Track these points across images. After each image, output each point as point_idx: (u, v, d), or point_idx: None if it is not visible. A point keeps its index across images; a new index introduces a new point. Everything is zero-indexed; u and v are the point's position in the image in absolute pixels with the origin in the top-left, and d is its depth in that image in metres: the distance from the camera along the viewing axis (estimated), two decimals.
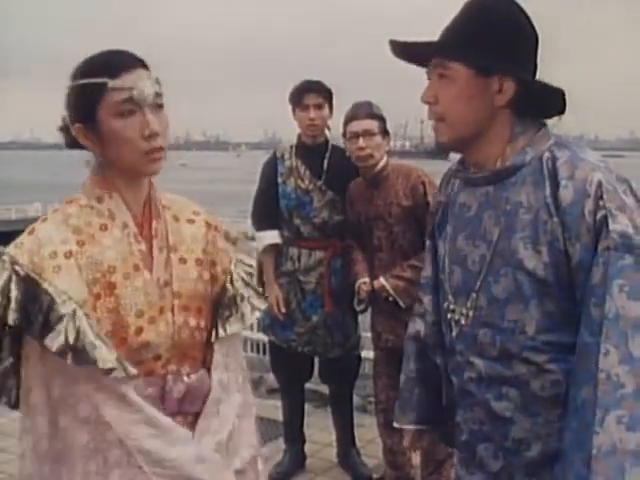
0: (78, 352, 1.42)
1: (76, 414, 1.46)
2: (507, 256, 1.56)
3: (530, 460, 1.61)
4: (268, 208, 3.76)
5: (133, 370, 1.47)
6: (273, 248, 3.75)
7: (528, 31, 1.61)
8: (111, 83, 1.48)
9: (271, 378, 4.75)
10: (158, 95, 1.53)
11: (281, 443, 4.05)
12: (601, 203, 1.46)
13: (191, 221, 1.69)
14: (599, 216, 1.46)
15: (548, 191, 1.52)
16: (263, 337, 4.60)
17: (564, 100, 1.62)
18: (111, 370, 1.44)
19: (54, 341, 1.41)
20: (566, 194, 1.49)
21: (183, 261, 1.63)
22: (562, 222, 1.49)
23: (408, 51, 1.67)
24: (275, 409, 4.22)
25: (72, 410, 1.46)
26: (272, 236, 3.74)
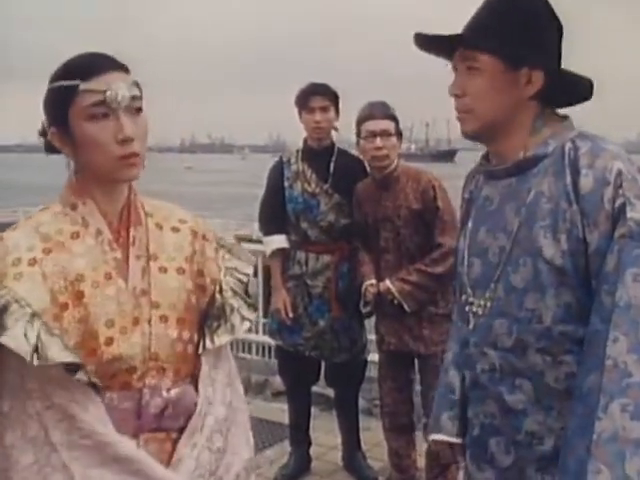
0: (38, 351, 1.34)
1: (25, 432, 1.39)
2: (527, 246, 1.57)
3: (543, 454, 1.60)
4: (275, 212, 3.76)
5: (95, 379, 1.41)
6: (281, 252, 3.75)
7: (552, 20, 1.62)
8: (82, 85, 1.43)
9: (277, 381, 4.75)
10: (135, 99, 1.47)
11: (286, 446, 4.05)
12: (620, 191, 1.47)
13: (176, 229, 1.62)
14: (617, 204, 1.47)
15: (568, 179, 1.53)
16: (268, 340, 4.60)
17: (591, 88, 1.63)
18: (75, 371, 1.37)
19: (13, 339, 1.34)
20: (586, 182, 1.50)
21: (163, 270, 1.55)
22: (581, 210, 1.49)
23: (434, 44, 1.68)
24: (280, 412, 4.22)
25: (21, 427, 1.39)
26: (280, 240, 3.74)
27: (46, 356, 1.35)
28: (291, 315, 3.66)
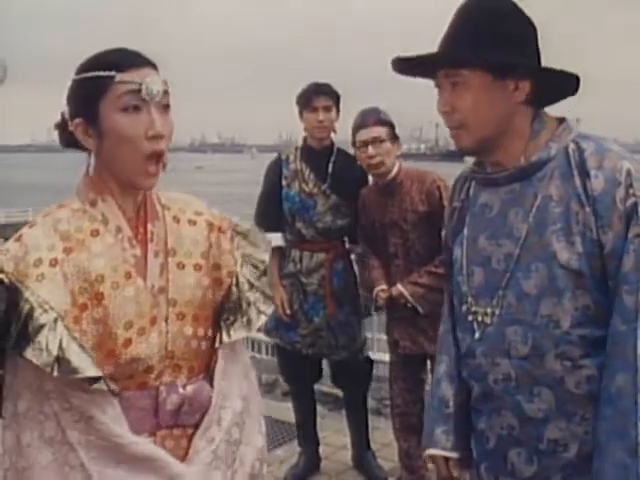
0: (60, 362, 1.34)
1: (42, 432, 1.39)
2: (538, 251, 1.55)
3: (568, 461, 1.57)
4: (272, 210, 3.75)
5: (114, 386, 1.41)
6: (277, 250, 3.76)
7: (526, 21, 1.61)
8: (119, 76, 1.43)
9: None
10: (166, 94, 1.47)
11: (296, 445, 4.04)
12: (631, 191, 1.48)
13: (192, 222, 1.60)
14: (629, 203, 1.47)
15: (578, 182, 1.52)
16: None
17: (578, 81, 1.62)
18: (94, 380, 1.37)
19: (36, 352, 1.34)
20: (597, 183, 1.50)
21: (181, 266, 1.54)
22: (594, 211, 1.49)
23: (414, 66, 1.65)
24: (290, 411, 4.22)
25: (39, 428, 1.39)
26: (276, 238, 3.75)
27: (67, 366, 1.35)
28: (288, 312, 3.67)
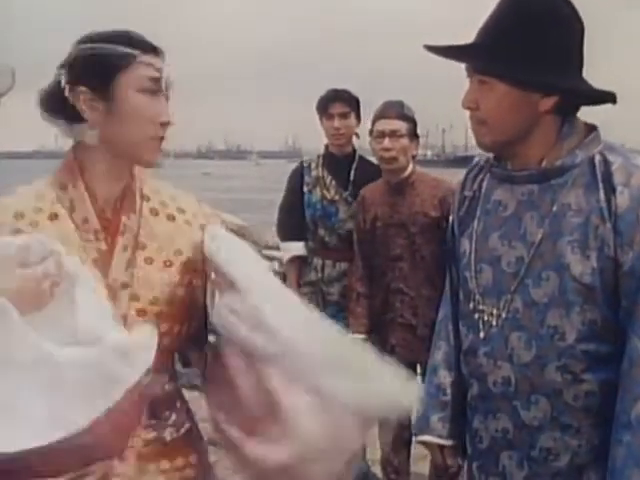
0: None
1: None
2: (550, 259, 1.53)
3: (558, 470, 1.57)
4: (294, 218, 3.73)
5: None
6: (297, 260, 3.72)
7: (572, 25, 1.55)
8: (141, 57, 1.43)
9: None
10: (172, 86, 1.50)
11: None
12: None
13: (171, 217, 1.56)
14: None
15: (602, 195, 1.49)
16: None
17: (614, 98, 1.58)
18: None
19: None
20: (622, 201, 1.46)
21: (149, 261, 1.49)
22: (615, 228, 1.46)
23: (445, 55, 1.62)
24: None
25: None
26: (297, 247, 3.71)
27: None
28: None
